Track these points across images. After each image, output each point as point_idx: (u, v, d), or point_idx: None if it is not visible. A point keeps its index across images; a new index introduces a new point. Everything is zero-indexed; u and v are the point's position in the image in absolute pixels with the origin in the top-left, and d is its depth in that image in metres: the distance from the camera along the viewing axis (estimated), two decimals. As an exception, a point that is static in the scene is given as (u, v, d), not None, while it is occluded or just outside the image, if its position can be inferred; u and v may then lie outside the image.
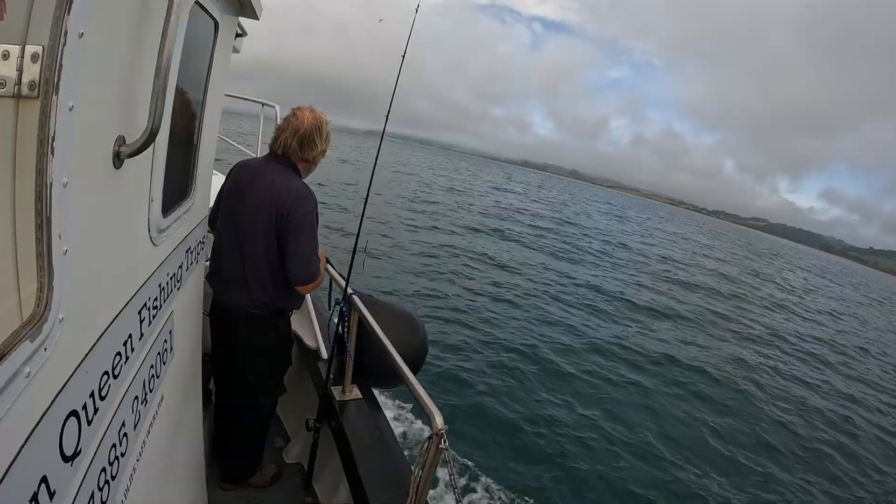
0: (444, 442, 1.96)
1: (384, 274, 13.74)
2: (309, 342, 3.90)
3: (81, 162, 0.98)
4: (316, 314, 4.07)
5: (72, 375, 1.01)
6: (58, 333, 0.92)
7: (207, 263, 2.99)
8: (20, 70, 0.83)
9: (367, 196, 3.35)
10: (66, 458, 0.99)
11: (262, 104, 4.88)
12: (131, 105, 1.22)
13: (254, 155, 4.15)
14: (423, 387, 2.26)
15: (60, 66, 0.83)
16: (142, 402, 1.56)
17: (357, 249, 3.30)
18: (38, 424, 0.87)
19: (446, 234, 22.01)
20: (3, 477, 0.76)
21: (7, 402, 0.77)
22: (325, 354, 3.76)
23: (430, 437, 1.99)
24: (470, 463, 6.70)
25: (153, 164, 1.47)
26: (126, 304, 1.35)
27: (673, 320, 16.58)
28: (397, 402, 7.31)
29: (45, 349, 0.87)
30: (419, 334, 3.69)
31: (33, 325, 0.85)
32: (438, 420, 2.01)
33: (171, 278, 1.89)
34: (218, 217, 2.90)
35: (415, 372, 2.83)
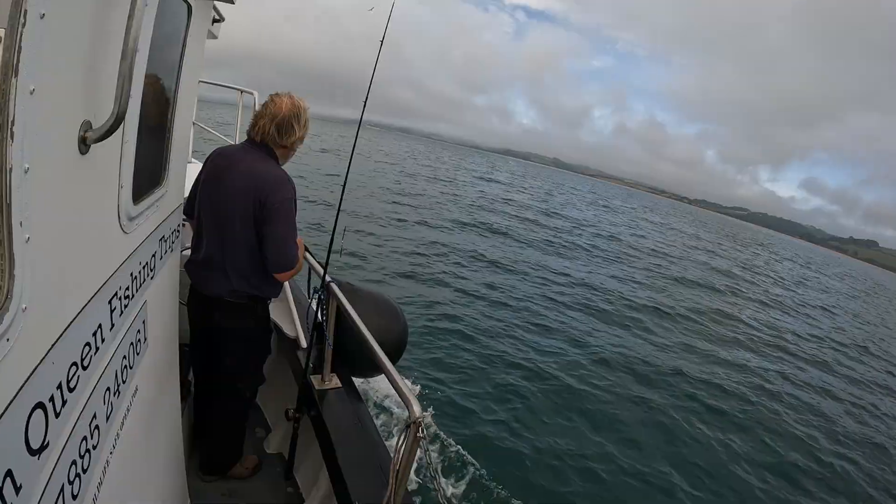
0: (422, 430, 1.98)
1: (370, 274, 13.02)
2: (288, 331, 3.91)
3: (44, 147, 0.98)
4: (295, 302, 4.13)
5: (37, 366, 1.00)
6: (21, 323, 0.91)
7: (185, 252, 3.05)
8: None
9: (345, 183, 3.35)
10: (32, 452, 0.99)
11: (241, 91, 4.94)
12: (97, 89, 1.21)
13: (232, 142, 4.10)
14: (402, 375, 2.28)
15: (20, 48, 0.82)
16: (114, 394, 1.55)
17: (335, 236, 3.30)
18: (1, 417, 0.87)
19: (434, 230, 21.22)
20: None
21: None
22: (304, 343, 3.76)
23: (407, 426, 2.01)
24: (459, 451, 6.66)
25: (122, 150, 1.46)
26: (95, 294, 1.34)
27: (673, 320, 16.13)
28: (380, 390, 7.26)
29: (8, 339, 0.88)
30: (399, 323, 3.76)
31: None
32: (416, 409, 2.02)
33: (143, 267, 1.88)
34: (194, 205, 2.90)
35: (395, 360, 3.23)
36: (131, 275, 1.70)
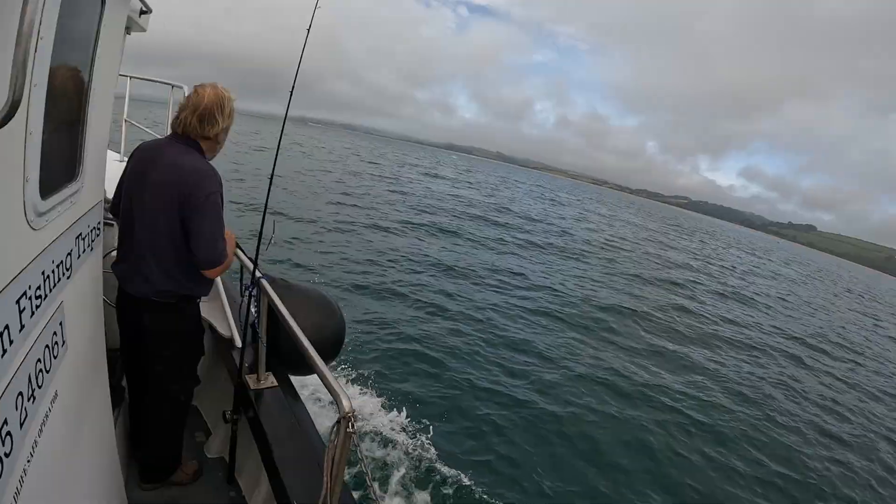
0: (353, 425, 1.97)
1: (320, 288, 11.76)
2: (222, 330, 3.84)
3: None
4: (228, 301, 4.05)
5: None
6: None
7: (114, 253, 2.99)
8: None
9: (272, 177, 3.40)
10: None
11: (172, 86, 4.88)
12: None
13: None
14: (331, 370, 2.28)
15: None
16: (28, 399, 1.49)
17: (263, 228, 3.19)
18: None
19: (383, 233, 19.97)
20: None
21: None
22: (239, 342, 3.67)
23: (338, 421, 2.00)
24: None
25: (26, 141, 1.40)
26: (0, 293, 1.30)
27: (638, 320, 15.73)
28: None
29: None
30: (335, 318, 3.76)
31: None
32: (346, 403, 2.00)
33: (57, 266, 1.82)
34: (120, 204, 2.85)
35: (333, 356, 3.73)
36: (43, 274, 1.63)
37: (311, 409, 4.13)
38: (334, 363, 6.10)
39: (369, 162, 61.66)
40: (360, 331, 9.93)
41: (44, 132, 1.46)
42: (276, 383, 3.44)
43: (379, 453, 6.46)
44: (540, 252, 24.10)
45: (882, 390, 16.05)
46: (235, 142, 45.31)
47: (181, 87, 4.48)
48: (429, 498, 6.01)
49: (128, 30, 3.22)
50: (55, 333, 1.77)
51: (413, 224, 23.28)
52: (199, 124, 2.72)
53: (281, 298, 3.02)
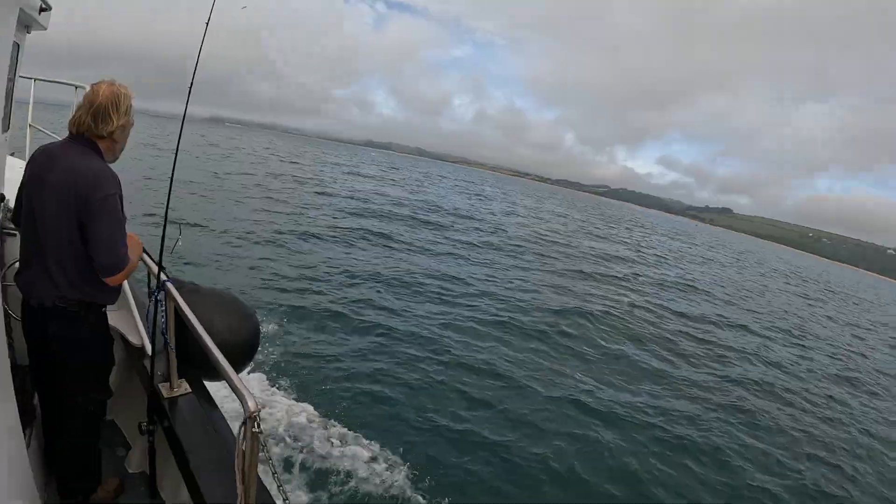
0: (258, 425, 1.95)
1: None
2: (132, 339, 3.76)
3: None
4: (137, 307, 3.92)
5: None
6: None
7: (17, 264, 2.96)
8: None
9: (172, 177, 3.25)
10: None
11: (76, 87, 4.82)
12: None
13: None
14: (236, 371, 2.27)
15: None
16: None
17: (170, 232, 3.17)
18: None
19: (313, 243, 18.55)
20: None
21: None
22: (149, 350, 3.53)
23: (244, 422, 1.97)
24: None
25: None
26: None
27: (590, 321, 15.38)
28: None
29: None
30: (248, 321, 3.71)
31: None
32: (251, 403, 1.97)
33: None
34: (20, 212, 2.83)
35: (249, 357, 3.70)
36: None
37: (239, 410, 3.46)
38: (252, 366, 6.06)
39: (290, 162, 59.30)
40: (304, 366, 8.95)
41: None
42: (189, 390, 3.39)
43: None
44: (477, 252, 23.40)
45: (843, 376, 16.29)
46: (149, 144, 42.73)
47: (85, 88, 3.90)
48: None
49: (27, 28, 3.23)
50: None
51: (343, 229, 22.02)
52: (94, 123, 2.63)
53: (190, 302, 2.94)
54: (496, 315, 13.87)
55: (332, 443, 6.91)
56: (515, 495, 6.93)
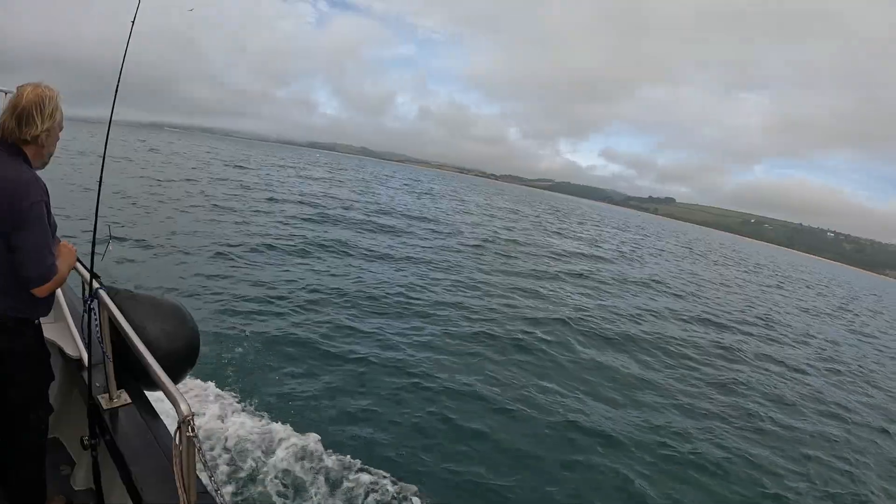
0: (192, 429, 1.96)
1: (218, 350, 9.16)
2: (70, 351, 3.70)
3: None
4: (73, 318, 3.91)
5: None
6: None
7: None
8: None
9: (101, 180, 3.22)
10: None
11: (5, 92, 4.40)
12: None
13: None
14: (178, 378, 2.56)
15: None
16: None
17: (101, 236, 3.10)
18: None
19: (267, 255, 17.12)
20: None
21: None
22: (87, 362, 3.51)
23: (178, 427, 1.99)
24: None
25: None
26: None
27: (568, 327, 14.75)
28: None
29: None
30: (186, 326, 3.58)
31: None
32: (183, 407, 1.98)
33: None
34: None
35: (190, 363, 3.50)
36: None
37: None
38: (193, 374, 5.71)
39: (235, 166, 56.91)
40: (270, 395, 8.08)
41: None
42: (129, 400, 3.33)
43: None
44: (438, 256, 22.53)
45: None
46: (82, 151, 40.44)
47: (11, 92, 3.66)
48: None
49: None
50: None
51: (297, 237, 20.72)
52: (17, 126, 2.55)
53: (125, 310, 2.97)
54: (470, 327, 13.07)
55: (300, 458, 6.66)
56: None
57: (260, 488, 6.07)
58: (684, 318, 19.93)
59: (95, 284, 3.11)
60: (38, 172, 2.71)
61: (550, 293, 19.30)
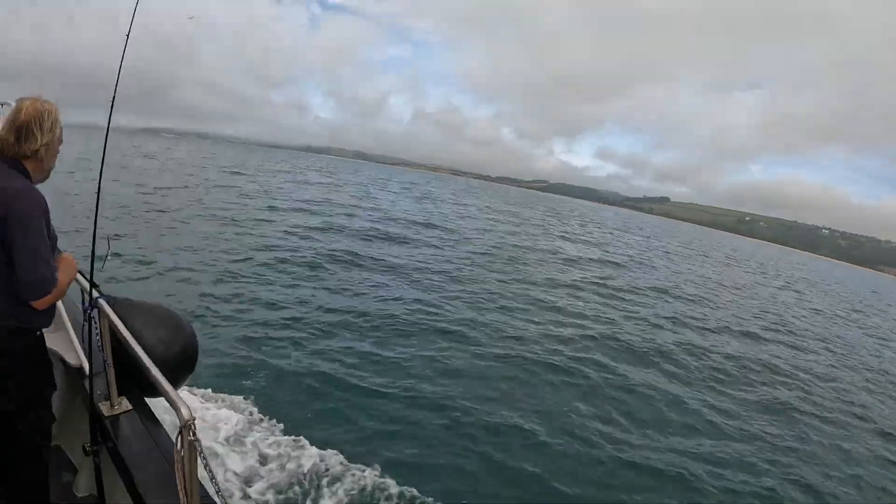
0: (194, 433, 1.96)
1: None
2: (71, 360, 3.71)
3: None
4: (74, 327, 3.93)
5: None
6: None
7: None
8: None
9: (99, 187, 3.27)
10: None
11: (2, 104, 4.81)
12: None
13: None
14: (177, 383, 2.52)
15: None
16: None
17: (96, 247, 3.11)
18: None
19: (276, 273, 15.83)
20: None
21: None
22: (88, 370, 3.46)
23: (179, 431, 1.99)
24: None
25: None
26: None
27: (618, 352, 13.85)
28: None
29: None
30: (183, 333, 3.58)
31: None
32: (185, 411, 1.97)
33: None
34: None
35: (188, 369, 3.49)
36: None
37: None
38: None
39: (233, 173, 55.88)
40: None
41: None
42: (130, 407, 3.29)
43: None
44: (452, 266, 21.45)
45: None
46: (85, 157, 38.87)
47: (10, 104, 3.97)
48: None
49: None
50: None
51: (305, 249, 19.63)
52: (16, 141, 2.58)
53: (125, 318, 2.99)
54: (497, 348, 12.13)
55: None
56: None
57: (267, 496, 5.93)
58: (708, 327, 19.20)
59: (95, 294, 3.13)
60: (39, 186, 2.69)
61: (569, 304, 18.41)
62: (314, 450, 6.90)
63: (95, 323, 3.12)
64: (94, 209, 3.18)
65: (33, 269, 2.49)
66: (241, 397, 7.87)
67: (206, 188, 36.42)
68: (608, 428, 9.14)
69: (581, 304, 18.89)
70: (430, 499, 6.47)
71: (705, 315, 21.39)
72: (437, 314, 14.00)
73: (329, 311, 12.81)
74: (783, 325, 22.94)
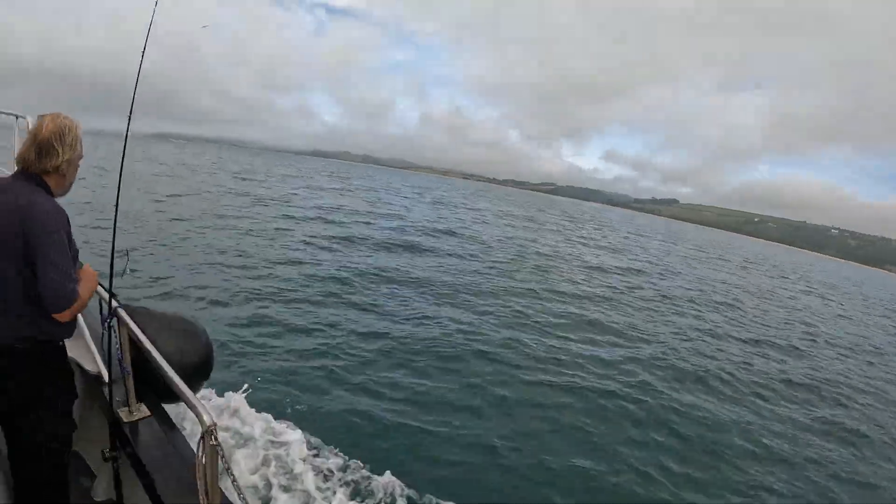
0: (215, 438, 1.95)
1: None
2: (89, 367, 3.76)
3: None
4: (92, 336, 3.94)
5: None
6: None
7: None
8: None
9: (118, 201, 3.17)
10: None
11: (17, 116, 4.77)
12: None
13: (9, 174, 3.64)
14: (193, 390, 2.28)
15: None
16: None
17: (115, 255, 3.17)
18: None
19: (305, 290, 14.77)
20: None
21: None
22: (106, 377, 3.51)
23: (201, 437, 1.98)
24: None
25: None
26: None
27: (678, 379, 12.96)
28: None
29: None
30: (199, 340, 3.76)
31: None
32: (206, 417, 1.98)
33: None
34: None
35: (204, 376, 3.76)
36: None
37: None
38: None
39: (243, 178, 54.85)
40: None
41: None
42: (149, 413, 3.38)
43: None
44: (483, 279, 20.40)
45: None
46: (94, 164, 38.06)
47: (25, 118, 4.32)
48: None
49: None
50: None
51: (327, 263, 18.61)
52: (38, 157, 2.61)
53: (142, 326, 3.03)
54: (544, 374, 11.12)
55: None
56: None
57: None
58: (750, 338, 18.47)
59: (114, 303, 3.14)
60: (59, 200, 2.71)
61: (603, 317, 17.42)
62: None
63: (114, 331, 3.17)
64: (113, 220, 3.17)
65: (56, 283, 2.49)
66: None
67: (218, 195, 35.58)
68: (684, 469, 8.24)
69: (615, 315, 18.06)
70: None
71: (742, 324, 20.67)
72: (473, 333, 13.02)
73: (363, 335, 11.76)
74: (812, 336, 22.17)
